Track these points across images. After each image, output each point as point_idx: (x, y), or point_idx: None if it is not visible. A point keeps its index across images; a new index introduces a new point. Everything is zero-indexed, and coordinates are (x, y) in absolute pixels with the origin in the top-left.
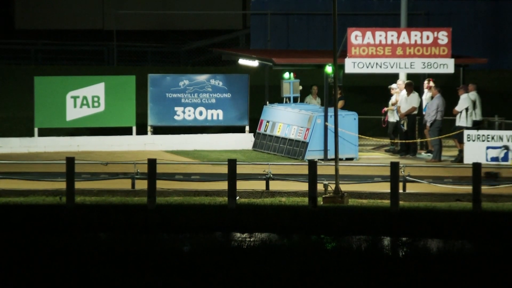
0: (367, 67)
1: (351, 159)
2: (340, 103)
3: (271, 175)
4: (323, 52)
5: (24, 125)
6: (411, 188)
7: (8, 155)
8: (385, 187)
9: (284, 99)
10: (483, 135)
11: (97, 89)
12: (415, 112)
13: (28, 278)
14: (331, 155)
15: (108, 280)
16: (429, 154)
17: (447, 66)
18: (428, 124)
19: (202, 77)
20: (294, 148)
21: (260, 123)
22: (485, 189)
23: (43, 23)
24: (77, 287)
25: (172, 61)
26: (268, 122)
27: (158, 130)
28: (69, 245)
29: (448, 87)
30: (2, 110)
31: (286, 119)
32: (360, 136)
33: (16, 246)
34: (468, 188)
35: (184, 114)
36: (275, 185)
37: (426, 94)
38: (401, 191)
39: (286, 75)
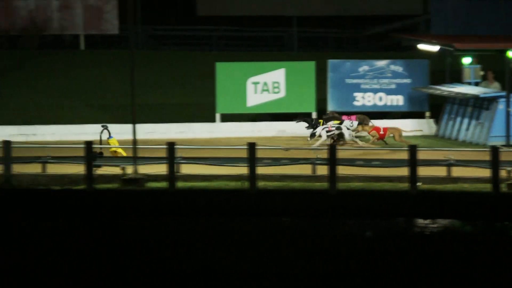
0: None
1: None
2: None
3: (453, 161)
4: (506, 37)
5: (207, 111)
6: None
7: (191, 140)
8: None
9: None
10: None
11: (277, 75)
12: None
13: (213, 262)
14: None
15: (291, 264)
16: None
17: None
18: None
19: (381, 63)
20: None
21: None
22: None
23: (224, 9)
24: (260, 269)
25: (351, 47)
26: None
27: None
28: (253, 229)
29: None
30: (185, 96)
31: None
32: None
33: (202, 230)
34: None
35: (363, 100)
36: (457, 171)
37: None
38: None
39: (467, 60)
